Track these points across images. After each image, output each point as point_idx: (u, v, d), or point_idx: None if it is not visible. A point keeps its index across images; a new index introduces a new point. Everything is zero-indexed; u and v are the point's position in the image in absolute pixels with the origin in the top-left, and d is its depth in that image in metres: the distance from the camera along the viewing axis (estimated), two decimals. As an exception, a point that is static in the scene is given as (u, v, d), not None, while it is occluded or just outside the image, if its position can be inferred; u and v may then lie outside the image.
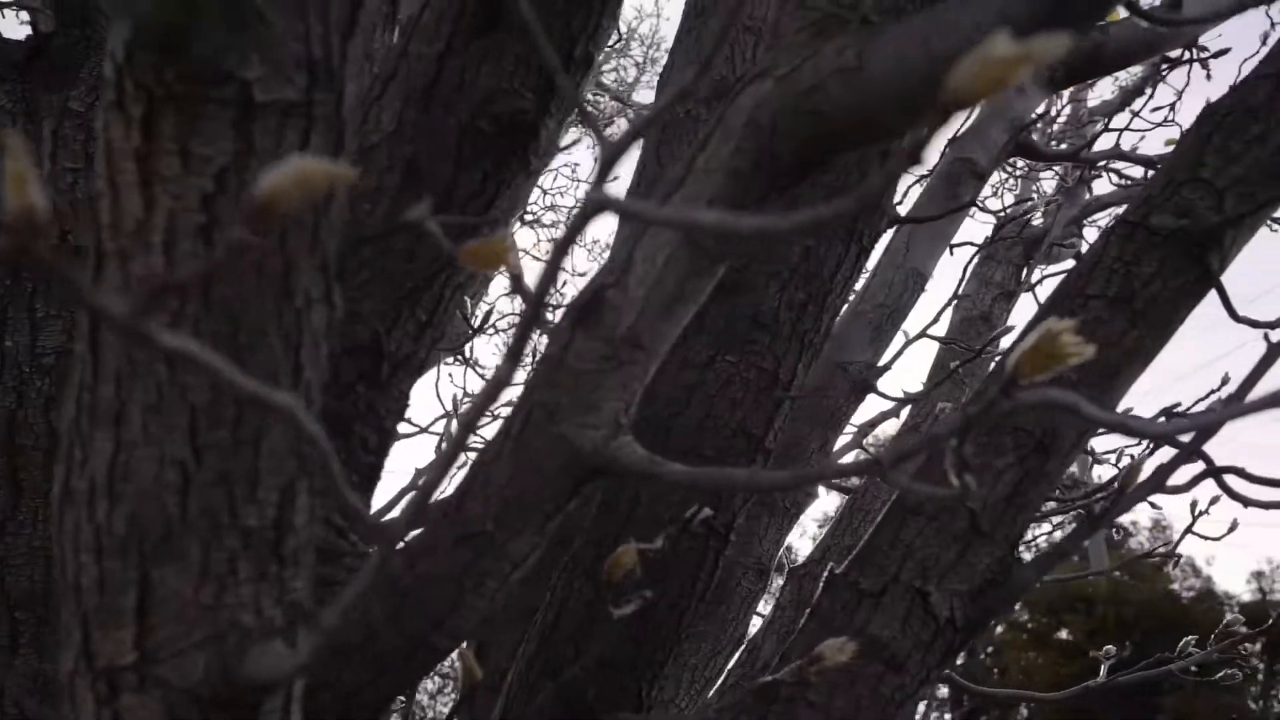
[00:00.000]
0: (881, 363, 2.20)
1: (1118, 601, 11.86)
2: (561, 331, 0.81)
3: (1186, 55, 3.06)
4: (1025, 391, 0.62)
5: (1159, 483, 1.18)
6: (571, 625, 1.29)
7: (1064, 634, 11.94)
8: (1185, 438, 0.96)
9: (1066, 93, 5.95)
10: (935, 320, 2.43)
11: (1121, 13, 2.63)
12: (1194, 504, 2.87)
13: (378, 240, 0.86)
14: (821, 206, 0.64)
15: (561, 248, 0.46)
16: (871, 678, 1.10)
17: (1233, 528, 2.76)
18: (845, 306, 2.35)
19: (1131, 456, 2.84)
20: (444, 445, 2.80)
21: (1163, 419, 1.08)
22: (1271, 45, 1.34)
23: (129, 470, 0.61)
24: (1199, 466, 1.07)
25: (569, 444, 0.80)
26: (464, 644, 0.84)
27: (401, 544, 0.91)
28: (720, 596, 1.98)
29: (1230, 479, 1.06)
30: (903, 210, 2.58)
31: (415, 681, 0.85)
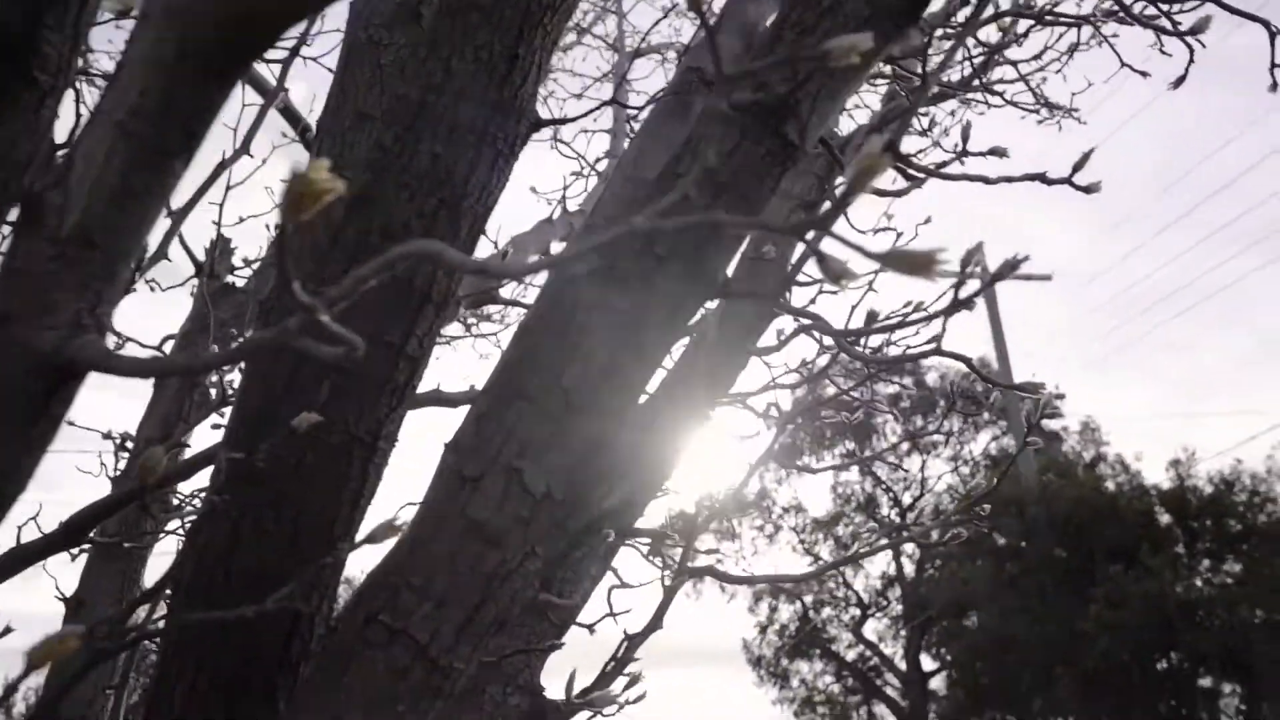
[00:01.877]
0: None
1: (1048, 501, 12.13)
2: (9, 240, 0.82)
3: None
4: (401, 246, 0.66)
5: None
6: (220, 543, 1.31)
7: (998, 538, 12.19)
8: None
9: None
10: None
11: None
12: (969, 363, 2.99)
13: None
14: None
15: None
16: (471, 556, 1.15)
17: (990, 400, 2.90)
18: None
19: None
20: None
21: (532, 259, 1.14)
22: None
23: None
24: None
25: (26, 347, 0.81)
26: None
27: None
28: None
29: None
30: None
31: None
